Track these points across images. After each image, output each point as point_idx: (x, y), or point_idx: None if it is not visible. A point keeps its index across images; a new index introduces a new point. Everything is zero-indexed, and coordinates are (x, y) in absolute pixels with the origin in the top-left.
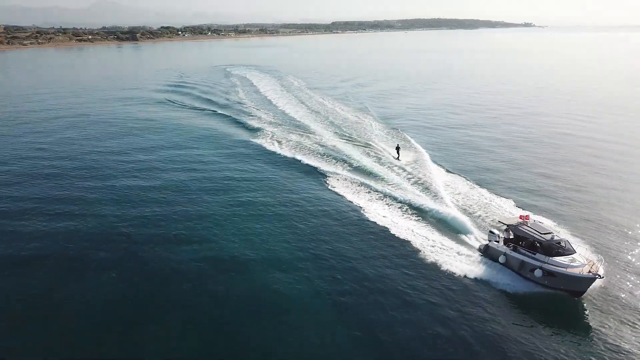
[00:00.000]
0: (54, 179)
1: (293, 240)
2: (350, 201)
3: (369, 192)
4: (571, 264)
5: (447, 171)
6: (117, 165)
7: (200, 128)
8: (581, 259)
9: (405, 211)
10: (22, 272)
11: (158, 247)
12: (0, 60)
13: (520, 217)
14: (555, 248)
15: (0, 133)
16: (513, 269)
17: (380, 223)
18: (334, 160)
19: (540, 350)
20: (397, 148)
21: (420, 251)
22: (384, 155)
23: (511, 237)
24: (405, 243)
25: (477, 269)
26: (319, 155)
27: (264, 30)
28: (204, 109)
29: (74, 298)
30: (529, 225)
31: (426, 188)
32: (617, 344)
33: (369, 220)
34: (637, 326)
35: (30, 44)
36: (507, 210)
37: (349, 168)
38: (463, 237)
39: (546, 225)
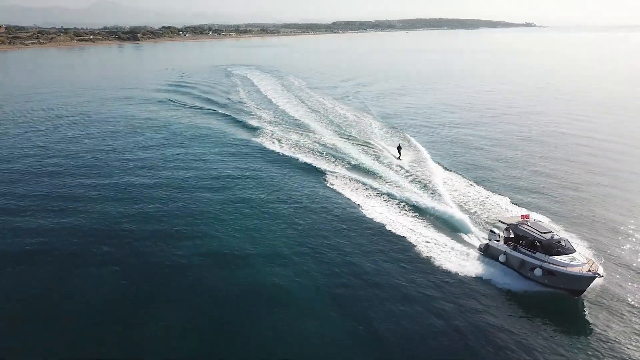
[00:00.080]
0: (56, 177)
1: (293, 236)
2: (348, 198)
3: (371, 191)
4: (571, 263)
5: (448, 170)
6: (118, 163)
7: (201, 127)
8: (581, 258)
9: (406, 210)
10: (23, 270)
11: (160, 243)
12: (2, 60)
13: (521, 216)
14: (555, 247)
15: (4, 132)
16: (513, 268)
17: (381, 221)
18: (334, 158)
19: (540, 348)
20: (399, 147)
21: (420, 250)
22: (385, 155)
23: (511, 236)
24: (406, 242)
25: (478, 267)
26: (319, 154)
27: (265, 30)
28: (205, 108)
29: (74, 297)
30: (529, 224)
31: (427, 187)
32: (617, 342)
33: (369, 219)
34: (636, 324)
35: (32, 44)
36: (505, 209)
37: (349, 167)
38: (463, 236)
39: (546, 224)
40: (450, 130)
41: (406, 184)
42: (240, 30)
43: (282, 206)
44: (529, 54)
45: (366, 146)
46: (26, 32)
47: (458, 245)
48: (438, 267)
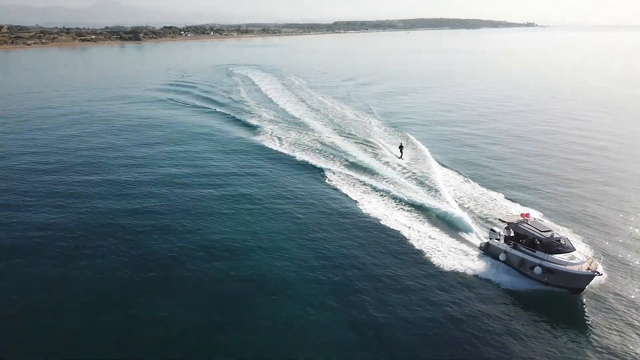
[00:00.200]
0: (57, 174)
1: (293, 230)
2: (348, 195)
3: (372, 190)
4: (570, 261)
5: (450, 169)
6: (120, 161)
7: (202, 125)
8: (580, 256)
9: (407, 208)
10: (23, 267)
11: (162, 237)
12: (5, 59)
13: (521, 215)
14: (555, 246)
15: (7, 130)
16: (513, 266)
17: (381, 219)
18: (334, 156)
19: (540, 346)
20: (401, 147)
21: (422, 248)
22: (387, 154)
23: (512, 234)
24: (408, 240)
25: (478, 266)
26: (319, 152)
27: (266, 30)
28: (206, 107)
29: (75, 296)
30: (529, 223)
31: (428, 186)
32: (616, 340)
33: (370, 217)
34: (635, 322)
35: (34, 43)
36: (505, 207)
37: (350, 165)
38: (464, 235)
39: (546, 223)
40: (452, 130)
41: (408, 182)
42: (242, 30)
43: (282, 201)
44: (542, 55)
45: (368, 145)
46: (28, 32)
47: (459, 244)
48: (439, 265)
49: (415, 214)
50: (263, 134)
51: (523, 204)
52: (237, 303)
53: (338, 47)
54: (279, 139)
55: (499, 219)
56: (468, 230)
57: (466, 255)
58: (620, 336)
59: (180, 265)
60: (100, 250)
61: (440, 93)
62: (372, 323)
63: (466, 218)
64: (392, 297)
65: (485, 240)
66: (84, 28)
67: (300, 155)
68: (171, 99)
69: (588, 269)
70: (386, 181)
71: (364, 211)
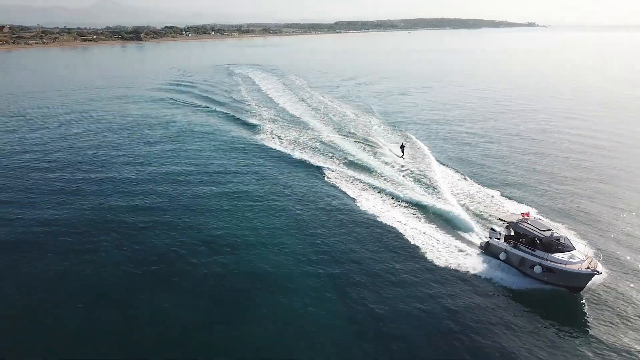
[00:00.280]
0: (58, 171)
1: (293, 226)
2: (346, 193)
3: (373, 189)
4: (570, 260)
5: (451, 168)
6: (122, 159)
7: (202, 124)
8: (580, 255)
9: (409, 208)
10: (24, 266)
11: (163, 233)
12: (7, 59)
13: (521, 214)
14: (555, 245)
15: (10, 129)
16: (513, 266)
17: (382, 218)
18: (335, 156)
19: (539, 344)
20: (402, 147)
21: (423, 247)
22: (388, 153)
23: (512, 234)
24: (408, 240)
25: (478, 265)
26: (319, 151)
27: (267, 30)
28: (207, 107)
29: (75, 296)
30: (529, 222)
31: (430, 186)
32: (615, 338)
33: (369, 215)
34: (634, 321)
35: (36, 43)
36: (504, 205)
37: (350, 164)
38: (465, 234)
39: (546, 222)
40: (454, 129)
41: (409, 182)
42: (243, 30)
43: (282, 198)
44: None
45: (368, 144)
46: (30, 32)
47: (459, 243)
48: (440, 264)
49: (415, 213)
50: (263, 133)
51: (520, 202)
52: (238, 296)
53: (339, 47)
54: (279, 137)
55: (499, 218)
56: (469, 229)
57: (466, 254)
58: (620, 334)
59: (182, 260)
60: (101, 246)
61: (440, 93)
62: (371, 316)
63: (467, 217)
64: (392, 292)
65: (486, 240)
66: (85, 28)
67: (299, 154)
68: (172, 99)
69: (588, 267)
70: (385, 179)
71: (362, 208)
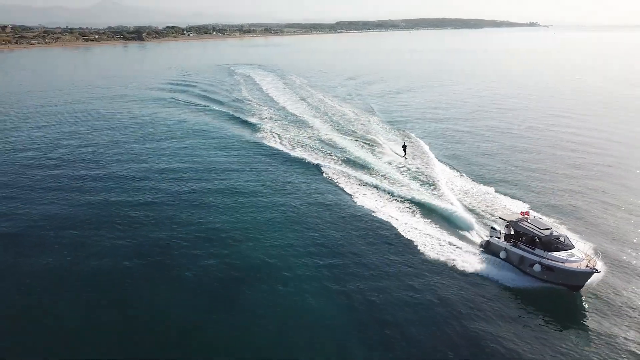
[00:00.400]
0: (59, 169)
1: (293, 221)
2: (345, 191)
3: (374, 188)
4: (569, 258)
5: (452, 168)
6: (123, 157)
7: (204, 123)
8: (579, 253)
9: (410, 207)
10: (24, 264)
11: (164, 229)
12: (9, 59)
13: (521, 213)
14: (554, 243)
15: (12, 127)
16: (513, 264)
17: (384, 218)
18: (334, 154)
19: (538, 342)
20: (404, 146)
21: (423, 247)
22: (390, 153)
23: (512, 233)
24: (409, 239)
25: (478, 263)
26: (319, 149)
27: (268, 30)
28: (207, 106)
29: (75, 295)
30: (528, 221)
31: (432, 186)
32: (614, 336)
33: (372, 216)
34: (633, 319)
35: (38, 43)
36: (504, 203)
37: (351, 163)
38: (465, 233)
39: (546, 221)
40: (455, 129)
41: (413, 183)
42: (244, 30)
43: (281, 194)
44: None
45: (370, 143)
46: (32, 32)
47: (460, 243)
48: (440, 263)
49: (416, 212)
50: (263, 131)
51: (517, 198)
52: (239, 287)
53: (340, 47)
54: (279, 135)
55: (499, 217)
56: (469, 228)
57: (467, 252)
58: (618, 333)
59: (182, 256)
60: (102, 243)
61: (440, 92)
62: (368, 304)
63: (468, 217)
64: (392, 289)
65: (486, 239)
66: (86, 28)
67: (299, 151)
68: (173, 98)
69: (587, 266)
70: (390, 182)
71: (363, 206)
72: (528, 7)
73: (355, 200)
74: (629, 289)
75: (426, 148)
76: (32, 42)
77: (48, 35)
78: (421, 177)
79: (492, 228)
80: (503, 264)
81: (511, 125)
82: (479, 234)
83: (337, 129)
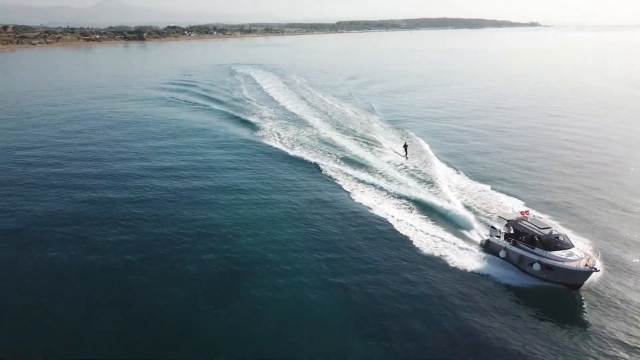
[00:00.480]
0: (59, 167)
1: (293, 219)
2: (342, 187)
3: (375, 188)
4: (568, 257)
5: (449, 166)
6: (123, 155)
7: (204, 122)
8: (579, 252)
9: (411, 207)
10: (25, 263)
11: (164, 227)
12: (10, 59)
13: (520, 212)
14: (554, 242)
15: (14, 126)
16: (513, 263)
17: (385, 217)
18: (334, 153)
19: (537, 341)
20: (405, 146)
21: (424, 246)
22: (391, 153)
23: (511, 232)
24: (410, 238)
25: (478, 262)
26: (319, 148)
27: (269, 29)
28: (208, 105)
29: (75, 295)
30: (528, 220)
31: (432, 185)
32: (613, 335)
33: (372, 216)
34: (632, 318)
35: (39, 43)
36: (504, 204)
37: (351, 162)
38: (465, 232)
39: (545, 220)
40: (456, 129)
41: (414, 183)
42: (245, 30)
43: (281, 191)
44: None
45: (371, 143)
46: (33, 32)
47: (460, 242)
48: (440, 262)
49: (419, 213)
50: (263, 130)
51: (513, 195)
52: (239, 281)
53: (340, 47)
54: (278, 134)
55: (499, 216)
56: (469, 228)
57: (467, 251)
58: (617, 331)
59: (183, 254)
60: (103, 241)
61: (440, 92)
62: (365, 296)
63: (468, 216)
64: (392, 288)
65: (486, 238)
66: (87, 28)
67: (299, 150)
68: (174, 97)
69: (586, 265)
70: (391, 182)
71: (361, 203)
72: (529, 7)
73: (353, 197)
74: (628, 288)
75: (426, 147)
76: (34, 42)
77: (49, 35)
78: (420, 176)
79: (492, 227)
80: (503, 263)
81: (510, 124)
82: (479, 233)
83: (337, 128)
